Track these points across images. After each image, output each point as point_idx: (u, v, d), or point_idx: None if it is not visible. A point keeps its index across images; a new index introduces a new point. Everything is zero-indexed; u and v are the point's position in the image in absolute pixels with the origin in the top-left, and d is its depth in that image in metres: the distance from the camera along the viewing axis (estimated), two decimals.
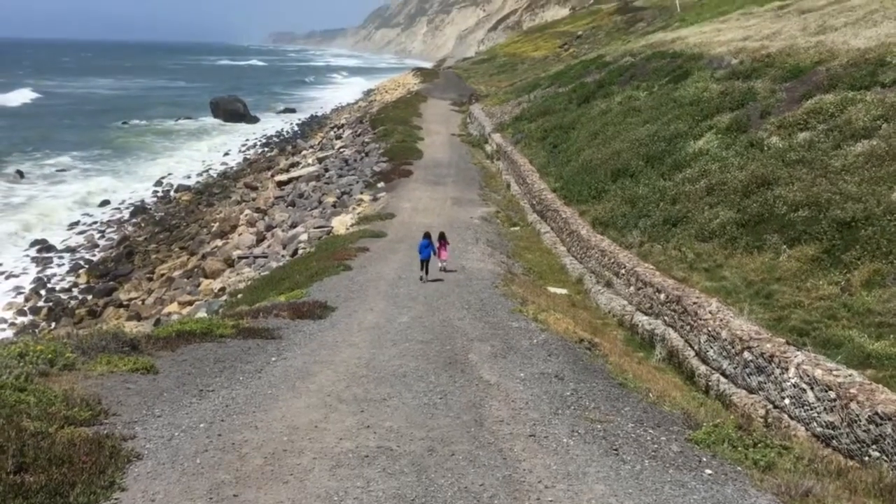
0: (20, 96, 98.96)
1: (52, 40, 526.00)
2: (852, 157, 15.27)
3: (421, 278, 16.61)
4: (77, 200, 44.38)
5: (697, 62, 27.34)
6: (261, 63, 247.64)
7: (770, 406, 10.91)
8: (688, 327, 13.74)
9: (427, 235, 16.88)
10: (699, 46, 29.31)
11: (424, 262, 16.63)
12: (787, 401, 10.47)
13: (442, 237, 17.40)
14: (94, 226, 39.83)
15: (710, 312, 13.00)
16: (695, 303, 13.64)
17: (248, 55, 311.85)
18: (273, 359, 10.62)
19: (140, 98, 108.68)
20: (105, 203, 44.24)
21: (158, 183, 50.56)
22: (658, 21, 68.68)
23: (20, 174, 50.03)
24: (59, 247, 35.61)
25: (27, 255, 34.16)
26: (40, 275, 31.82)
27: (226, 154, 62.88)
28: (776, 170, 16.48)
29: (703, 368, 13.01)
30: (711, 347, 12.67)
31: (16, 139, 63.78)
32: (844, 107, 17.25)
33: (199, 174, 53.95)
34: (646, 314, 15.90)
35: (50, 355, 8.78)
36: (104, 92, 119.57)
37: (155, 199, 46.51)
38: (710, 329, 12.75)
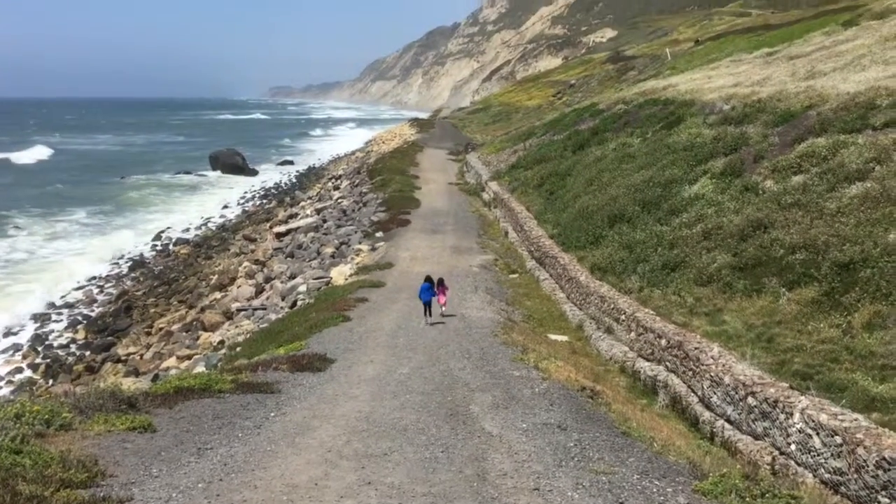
0: (35, 153, 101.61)
1: (54, 99, 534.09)
2: (847, 200, 15.37)
3: (426, 321, 17.20)
4: (76, 256, 44.44)
5: (689, 108, 27.70)
6: (264, 117, 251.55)
7: (776, 452, 10.76)
8: (690, 373, 13.63)
9: (428, 279, 17.50)
10: (691, 93, 29.72)
11: (427, 305, 17.27)
12: (793, 447, 10.33)
13: (441, 283, 17.79)
14: (93, 281, 39.81)
15: (712, 358, 12.92)
16: (696, 348, 13.56)
17: (251, 109, 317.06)
18: (272, 414, 10.51)
19: (141, 153, 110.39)
20: (103, 258, 44.27)
21: (157, 237, 50.73)
22: (649, 69, 69.83)
23: (18, 229, 50.23)
24: (58, 303, 35.55)
25: (25, 312, 34.04)
26: (38, 331, 31.69)
27: (224, 207, 63.24)
28: (772, 213, 16.57)
29: (707, 415, 12.86)
30: (715, 393, 12.55)
31: (20, 195, 64.40)
32: (837, 150, 17.42)
33: (198, 227, 54.20)
34: (647, 360, 15.79)
35: (47, 415, 8.68)
36: (106, 148, 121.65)
37: (154, 252, 46.63)
38: (712, 375, 12.65)
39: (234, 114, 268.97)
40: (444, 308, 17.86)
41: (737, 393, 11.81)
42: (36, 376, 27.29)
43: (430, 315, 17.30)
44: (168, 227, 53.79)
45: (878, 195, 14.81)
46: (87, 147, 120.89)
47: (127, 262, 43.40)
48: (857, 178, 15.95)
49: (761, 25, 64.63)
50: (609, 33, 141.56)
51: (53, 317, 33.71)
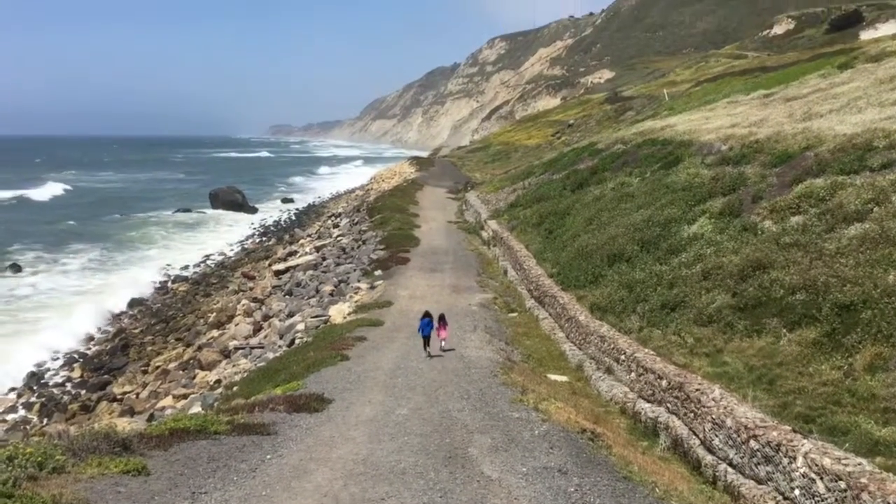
0: (50, 190, 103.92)
1: (56, 137, 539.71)
2: (846, 241, 15.37)
3: (426, 353, 17.83)
4: (75, 293, 44.36)
5: (688, 149, 27.88)
6: (269, 154, 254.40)
7: (780, 497, 10.59)
8: (691, 415, 13.49)
9: (427, 314, 18.22)
10: (688, 133, 29.95)
11: (426, 339, 18.00)
12: (796, 492, 10.18)
13: (442, 318, 18.50)
14: (90, 318, 39.60)
15: (713, 399, 12.80)
16: (697, 389, 13.44)
17: (256, 147, 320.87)
18: (268, 456, 10.37)
19: (149, 190, 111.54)
20: (100, 294, 44.13)
21: (155, 272, 50.65)
22: (647, 110, 70.53)
23: (17, 268, 50.20)
24: (56, 341, 35.31)
25: (21, 350, 33.79)
26: (34, 369, 31.44)
27: (224, 244, 63.30)
28: (771, 253, 16.56)
29: (709, 458, 12.69)
30: (717, 436, 12.40)
31: (19, 233, 64.69)
32: (835, 191, 17.49)
33: (197, 264, 54.18)
34: (648, 401, 15.64)
35: (39, 458, 8.55)
36: (114, 185, 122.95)
37: (152, 290, 46.49)
38: (714, 417, 12.52)
39: (240, 152, 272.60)
40: (443, 343, 18.46)
41: (739, 436, 11.67)
42: (31, 415, 27.01)
43: (430, 347, 17.98)
44: (167, 264, 53.75)
45: (877, 236, 14.81)
46: (97, 184, 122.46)
47: (125, 300, 43.18)
48: (855, 219, 15.97)
49: (758, 67, 65.42)
50: (607, 74, 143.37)
51: (50, 354, 33.45)
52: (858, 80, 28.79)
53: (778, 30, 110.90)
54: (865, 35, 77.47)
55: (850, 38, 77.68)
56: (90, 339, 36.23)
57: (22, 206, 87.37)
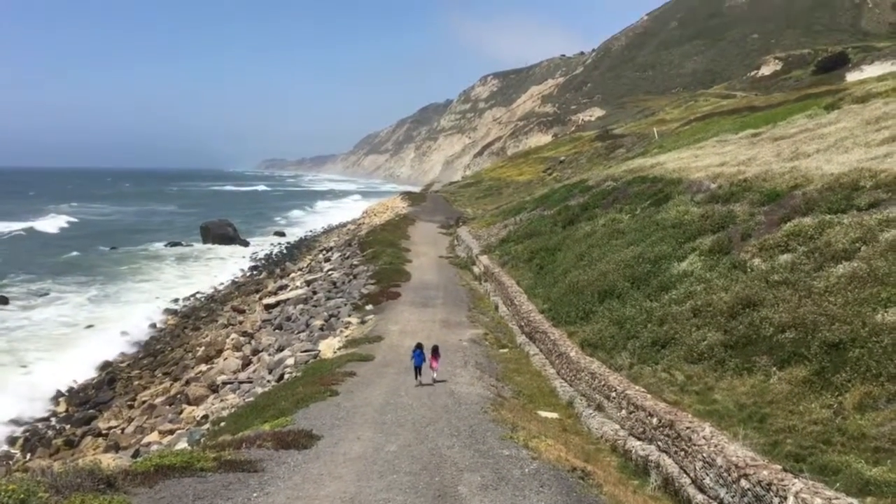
0: (57, 222, 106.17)
1: (45, 169, 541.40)
2: (834, 279, 15.47)
3: (419, 383, 18.60)
4: (63, 324, 44.02)
5: (677, 186, 28.14)
6: (266, 188, 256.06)
7: None
8: (682, 453, 13.41)
9: (419, 346, 19.13)
10: (678, 171, 30.24)
11: (417, 369, 18.78)
12: None
13: (435, 350, 19.28)
14: (78, 351, 39.22)
15: (704, 438, 12.74)
16: (688, 427, 13.39)
17: (253, 181, 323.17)
18: (255, 494, 10.23)
19: (135, 223, 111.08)
20: (90, 327, 43.80)
21: (144, 305, 50.33)
22: (637, 147, 71.26)
23: (4, 300, 49.83)
24: (41, 373, 34.89)
25: (5, 383, 33.37)
26: (17, 403, 31.00)
27: (214, 277, 63.07)
28: (760, 291, 16.64)
29: (700, 497, 12.59)
30: (707, 475, 12.32)
31: (17, 263, 64.84)
32: (823, 229, 17.65)
33: (187, 298, 53.89)
34: (639, 439, 15.56)
35: (22, 495, 8.39)
36: (110, 218, 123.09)
37: (141, 323, 46.14)
38: (704, 455, 12.45)
39: (237, 185, 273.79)
40: (435, 374, 19.11)
41: (729, 475, 11.60)
42: (14, 450, 26.60)
43: (421, 375, 18.78)
44: (157, 297, 53.47)
45: (865, 275, 14.92)
46: (98, 216, 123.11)
47: (112, 332, 42.86)
48: (843, 257, 16.10)
49: (746, 107, 66.36)
50: (598, 112, 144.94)
51: (34, 388, 33.01)
52: (845, 120, 29.25)
53: (765, 71, 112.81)
54: (851, 77, 78.87)
55: (836, 79, 79.06)
56: (75, 374, 35.79)
57: (31, 238, 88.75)
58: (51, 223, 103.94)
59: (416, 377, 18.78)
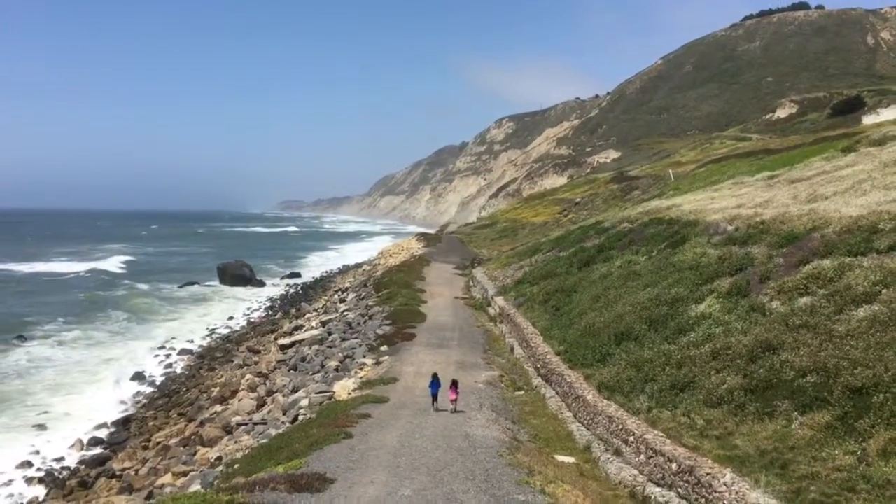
0: (114, 262, 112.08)
1: (85, 211, 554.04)
2: (856, 323, 15.27)
3: (435, 409, 20.45)
4: (76, 363, 44.20)
5: (694, 228, 28.05)
6: (296, 229, 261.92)
7: None
8: (703, 500, 13.14)
9: (435, 375, 21.07)
10: (694, 213, 30.17)
11: (434, 396, 20.66)
12: None
13: (454, 383, 20.87)
14: (92, 392, 39.30)
15: (724, 484, 12.49)
16: (708, 473, 13.14)
17: (284, 222, 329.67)
18: None
19: (151, 264, 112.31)
20: (106, 367, 43.92)
21: (161, 347, 50.52)
22: (653, 189, 71.32)
23: (22, 338, 50.25)
24: (57, 413, 34.97)
25: (22, 423, 33.46)
26: (33, 442, 31.01)
27: (230, 318, 63.31)
28: (780, 334, 16.43)
29: None
30: None
31: (20, 307, 65.37)
32: (843, 272, 17.48)
33: (203, 338, 54.06)
34: (658, 485, 15.26)
35: None
36: (159, 258, 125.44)
37: (156, 363, 46.27)
38: (726, 503, 12.19)
39: (267, 226, 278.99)
40: (453, 406, 20.48)
41: None
42: (29, 489, 26.51)
43: (437, 402, 20.63)
44: (172, 338, 53.66)
45: (886, 318, 14.72)
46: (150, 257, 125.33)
47: (128, 373, 42.96)
48: (864, 300, 15.91)
49: (762, 150, 66.44)
50: (613, 154, 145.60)
51: (50, 428, 33.08)
52: (862, 163, 29.16)
53: (781, 113, 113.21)
54: (867, 119, 78.98)
55: (852, 122, 79.20)
56: (90, 414, 35.83)
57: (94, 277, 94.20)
58: (112, 263, 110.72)
59: (433, 404, 20.64)
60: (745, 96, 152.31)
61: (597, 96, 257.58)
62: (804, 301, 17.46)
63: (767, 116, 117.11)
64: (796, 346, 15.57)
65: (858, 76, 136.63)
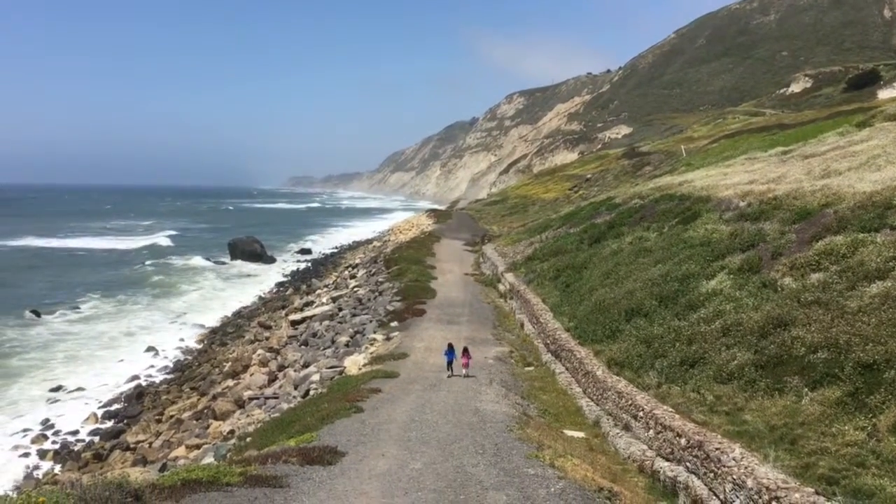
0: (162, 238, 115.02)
1: (96, 185, 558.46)
2: (868, 299, 15.18)
3: (450, 374, 21.83)
4: (92, 338, 44.65)
5: (705, 204, 27.88)
6: (318, 205, 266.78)
7: None
8: (711, 475, 13.19)
9: (450, 345, 22.34)
10: (706, 189, 29.97)
11: (449, 364, 22.00)
12: None
13: (465, 350, 22.33)
14: (107, 366, 39.74)
15: (733, 459, 12.52)
16: (717, 448, 13.17)
17: (304, 198, 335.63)
18: None
19: (214, 237, 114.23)
20: (120, 342, 44.37)
21: (173, 322, 50.92)
22: (664, 165, 70.82)
23: (36, 314, 50.70)
24: (72, 387, 35.41)
25: (38, 396, 33.90)
26: (48, 416, 31.44)
27: (242, 294, 63.64)
28: (792, 311, 16.37)
29: None
30: (737, 497, 12.09)
31: (35, 284, 65.95)
32: (856, 248, 17.35)
33: (215, 313, 54.39)
34: (667, 460, 15.32)
35: None
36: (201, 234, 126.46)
37: (169, 338, 46.65)
38: (734, 477, 12.23)
39: (289, 202, 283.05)
40: (465, 371, 21.91)
41: (760, 497, 11.38)
42: (44, 462, 26.91)
43: (452, 370, 21.93)
44: (184, 313, 54.05)
45: None
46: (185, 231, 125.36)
47: (141, 347, 43.38)
48: (877, 277, 15.80)
49: (775, 125, 65.75)
50: (624, 129, 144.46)
51: (64, 401, 33.50)
52: (877, 138, 28.82)
53: (795, 88, 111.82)
54: (883, 94, 77.90)
55: (867, 96, 78.11)
56: (104, 385, 36.24)
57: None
58: (161, 238, 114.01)
59: (449, 369, 21.95)
60: (758, 71, 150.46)
61: (608, 71, 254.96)
62: (816, 277, 17.37)
63: (781, 91, 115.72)
64: (808, 323, 15.52)
65: (875, 50, 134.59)
